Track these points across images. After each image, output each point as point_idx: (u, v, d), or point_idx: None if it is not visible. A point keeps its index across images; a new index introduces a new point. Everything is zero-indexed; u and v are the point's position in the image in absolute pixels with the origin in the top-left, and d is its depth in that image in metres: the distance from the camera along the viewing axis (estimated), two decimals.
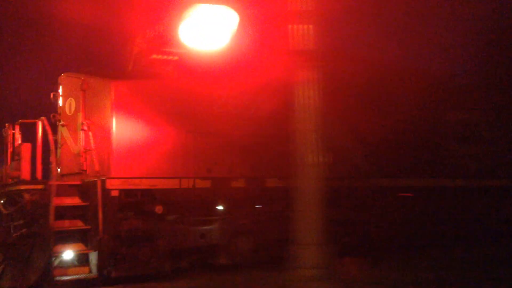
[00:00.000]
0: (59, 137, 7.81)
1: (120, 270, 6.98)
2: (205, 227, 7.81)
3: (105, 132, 7.11)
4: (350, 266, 7.99)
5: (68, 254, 6.88)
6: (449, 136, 11.31)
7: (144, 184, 7.18)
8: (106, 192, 6.84)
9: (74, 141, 7.52)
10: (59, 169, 7.67)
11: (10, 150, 7.45)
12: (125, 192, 7.07)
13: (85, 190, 7.10)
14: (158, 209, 7.28)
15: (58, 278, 6.74)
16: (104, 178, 6.84)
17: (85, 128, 7.25)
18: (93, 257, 6.98)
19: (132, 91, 7.30)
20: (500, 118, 12.25)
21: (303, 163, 5.33)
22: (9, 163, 7.53)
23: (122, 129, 7.09)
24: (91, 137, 7.13)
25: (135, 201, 7.20)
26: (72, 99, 7.64)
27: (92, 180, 6.93)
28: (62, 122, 7.72)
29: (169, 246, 7.42)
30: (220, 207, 7.98)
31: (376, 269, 8.07)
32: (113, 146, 7.00)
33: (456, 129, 11.49)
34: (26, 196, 6.60)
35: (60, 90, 7.92)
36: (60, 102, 7.88)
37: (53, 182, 6.65)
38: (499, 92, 12.72)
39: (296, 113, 5.48)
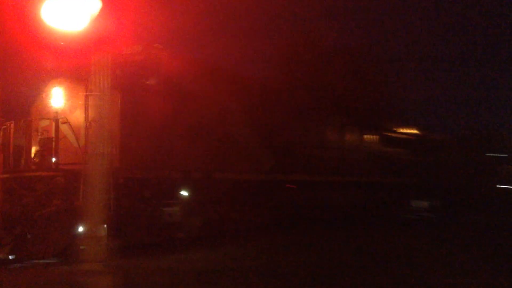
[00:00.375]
0: (55, 132, 9.23)
1: (121, 240, 8.94)
2: (170, 208, 10.10)
3: (112, 132, 8.92)
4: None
5: (80, 227, 8.58)
6: (310, 143, 15.18)
7: (139, 174, 9.25)
8: (116, 179, 8.75)
9: (76, 137, 9.09)
10: (53, 159, 9.15)
11: (27, 142, 8.68)
12: (126, 179, 9.03)
13: None
14: (147, 193, 9.41)
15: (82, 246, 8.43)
16: (115, 168, 8.73)
17: (93, 127, 8.94)
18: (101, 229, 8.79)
19: (133, 101, 9.27)
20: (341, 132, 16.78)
21: (94, 153, 5.06)
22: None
23: (125, 130, 9.05)
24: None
25: (131, 186, 9.20)
26: (74, 101, 9.20)
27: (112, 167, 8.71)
28: (61, 120, 9.15)
29: (151, 222, 9.58)
30: (181, 193, 10.35)
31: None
32: (120, 143, 8.92)
33: (312, 138, 15.45)
34: (60, 179, 8.18)
35: (57, 92, 9.32)
36: (58, 102, 9.29)
37: (84, 169, 8.33)
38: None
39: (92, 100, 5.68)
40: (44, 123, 9.28)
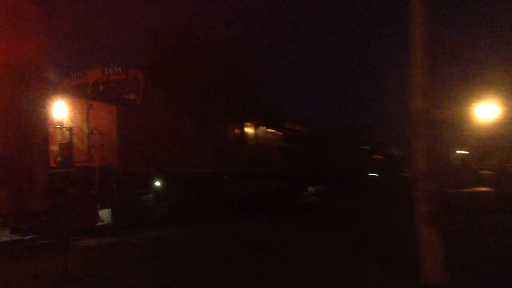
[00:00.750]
0: (59, 137, 11.52)
1: (122, 220, 11.63)
2: (147, 196, 12.86)
3: (111, 137, 11.53)
4: None
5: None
6: (233, 142, 18.54)
7: (134, 169, 11.95)
8: (119, 173, 11.40)
9: (80, 141, 11.51)
10: (59, 159, 11.48)
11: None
12: (124, 174, 11.68)
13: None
14: (135, 184, 12.14)
15: (98, 224, 11.01)
16: (117, 165, 11.37)
17: (95, 133, 11.46)
18: (106, 212, 11.39)
19: (125, 112, 11.91)
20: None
21: None
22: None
23: (122, 135, 11.68)
24: (101, 139, 11.44)
25: (127, 179, 11.85)
26: (77, 113, 11.59)
27: (109, 165, 11.30)
28: (66, 127, 11.47)
29: (138, 206, 12.31)
30: (155, 183, 13.14)
31: None
32: (118, 146, 11.56)
33: (236, 137, 18.84)
34: (80, 174, 10.67)
35: (61, 105, 11.58)
36: (62, 113, 11.58)
37: (98, 165, 10.88)
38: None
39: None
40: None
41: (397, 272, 7.01)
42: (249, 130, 19.85)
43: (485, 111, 19.67)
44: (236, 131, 18.75)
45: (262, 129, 21.15)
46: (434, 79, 6.23)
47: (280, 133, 23.40)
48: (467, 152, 25.68)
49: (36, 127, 9.36)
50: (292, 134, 24.74)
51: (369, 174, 39.66)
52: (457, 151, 30.62)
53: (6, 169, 8.77)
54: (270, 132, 22.15)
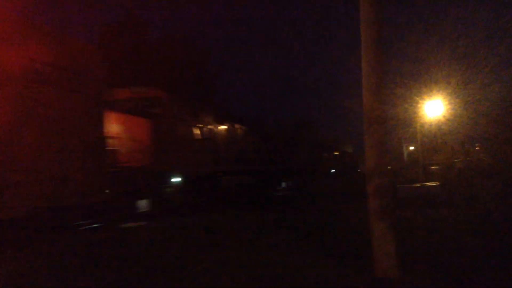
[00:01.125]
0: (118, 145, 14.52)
1: (153, 209, 14.78)
2: (166, 190, 16.04)
3: (146, 144, 14.67)
4: None
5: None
6: (223, 145, 21.85)
7: (161, 169, 15.13)
8: (155, 172, 14.59)
9: (121, 147, 14.56)
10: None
11: None
12: (155, 173, 14.84)
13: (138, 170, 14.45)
14: (161, 181, 15.33)
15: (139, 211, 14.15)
16: (151, 165, 14.53)
17: (133, 140, 14.56)
18: (143, 202, 14.51)
19: (155, 124, 15.07)
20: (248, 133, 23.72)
21: None
22: None
23: (154, 142, 14.84)
24: (138, 145, 14.56)
25: (159, 176, 15.00)
26: (118, 124, 14.63)
27: (145, 166, 14.44)
28: (112, 136, 14.48)
29: (163, 198, 15.49)
30: (172, 180, 16.32)
31: None
32: (152, 150, 14.71)
33: (224, 140, 22.15)
34: (127, 173, 13.78)
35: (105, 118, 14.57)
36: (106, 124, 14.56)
37: (137, 166, 13.99)
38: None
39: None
40: None
41: (353, 266, 6.99)
42: (234, 134, 23.17)
43: (432, 108, 19.78)
44: (224, 135, 22.04)
45: (244, 132, 24.52)
46: (384, 77, 6.17)
47: (257, 135, 26.79)
48: (417, 148, 28.99)
49: (100, 135, 12.41)
50: (266, 135, 28.16)
51: (331, 170, 43.36)
52: (411, 147, 34.19)
53: (76, 168, 11.77)
54: (250, 135, 25.52)
